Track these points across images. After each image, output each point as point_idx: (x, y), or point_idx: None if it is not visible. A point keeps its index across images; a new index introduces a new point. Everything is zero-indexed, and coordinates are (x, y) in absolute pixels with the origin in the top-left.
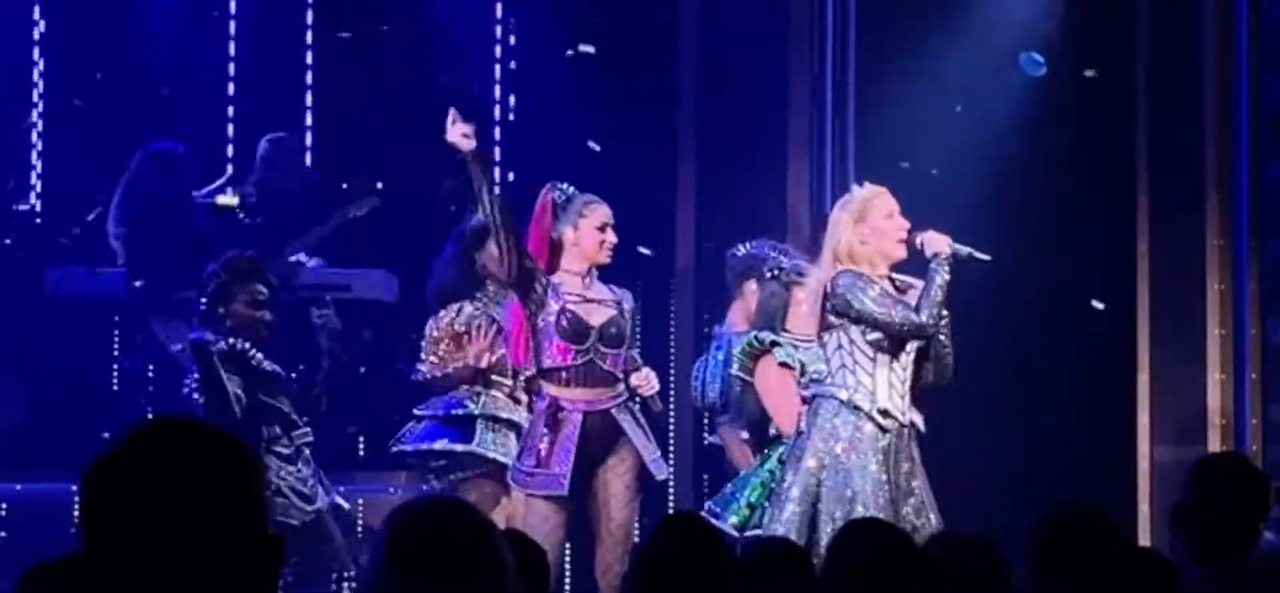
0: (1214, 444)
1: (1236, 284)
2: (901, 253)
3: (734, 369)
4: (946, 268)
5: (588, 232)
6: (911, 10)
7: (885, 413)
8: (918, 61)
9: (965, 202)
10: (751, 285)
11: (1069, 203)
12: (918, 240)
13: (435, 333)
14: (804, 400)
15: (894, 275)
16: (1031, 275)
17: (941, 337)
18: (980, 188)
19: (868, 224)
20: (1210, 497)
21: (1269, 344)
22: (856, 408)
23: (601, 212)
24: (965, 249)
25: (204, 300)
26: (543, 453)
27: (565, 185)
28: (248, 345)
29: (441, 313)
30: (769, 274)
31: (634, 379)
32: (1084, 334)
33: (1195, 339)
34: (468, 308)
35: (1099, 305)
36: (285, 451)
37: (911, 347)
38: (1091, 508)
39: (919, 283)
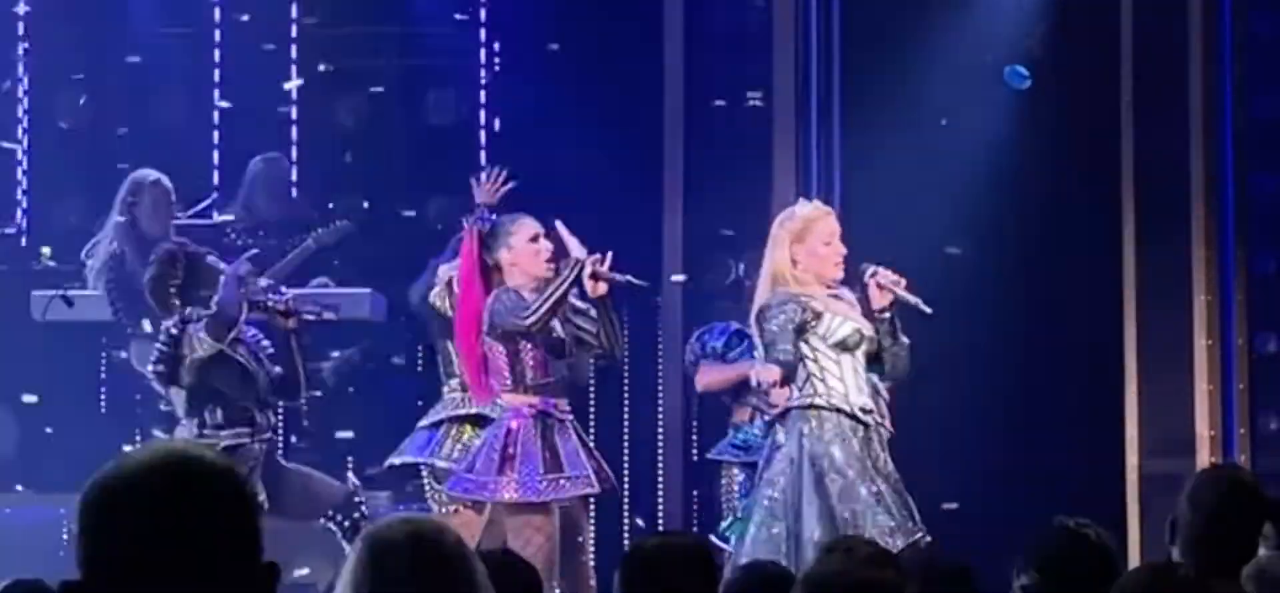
0: (1202, 456)
1: (1223, 296)
2: (838, 275)
3: None
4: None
5: (521, 248)
6: (897, 25)
7: (866, 410)
8: (903, 75)
9: (951, 214)
10: None
11: (1055, 215)
12: (867, 278)
13: None
14: (774, 419)
15: (832, 291)
16: (1018, 288)
17: (901, 338)
18: (966, 200)
19: (805, 246)
20: (1207, 510)
21: (1256, 355)
22: (836, 410)
23: (528, 225)
24: (913, 298)
25: (174, 285)
26: (550, 459)
27: (489, 214)
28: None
29: None
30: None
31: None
32: (1071, 346)
33: (1182, 351)
34: None
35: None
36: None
37: (865, 344)
38: (1087, 524)
39: (851, 296)
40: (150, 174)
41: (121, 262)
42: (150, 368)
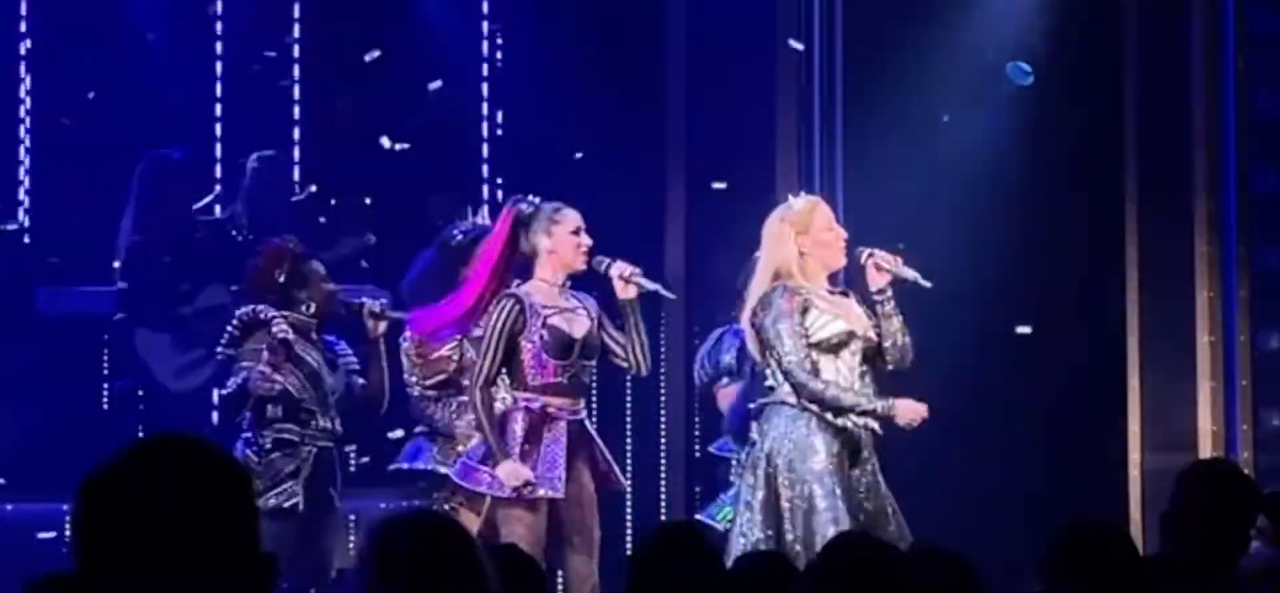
0: (1204, 452)
1: (1226, 291)
2: (842, 261)
3: None
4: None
5: (563, 238)
6: (898, 21)
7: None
8: (905, 72)
9: (954, 211)
10: None
11: (1058, 211)
12: (864, 259)
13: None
14: (754, 413)
15: (829, 290)
16: (1021, 283)
17: (895, 328)
18: (969, 197)
19: (810, 236)
20: (1198, 506)
21: (1258, 351)
22: (805, 409)
23: (573, 216)
24: (910, 273)
25: (279, 280)
26: (527, 458)
27: (532, 197)
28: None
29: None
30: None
31: (616, 269)
32: (1074, 342)
33: (1185, 347)
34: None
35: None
36: (271, 441)
37: (856, 344)
38: (1110, 521)
39: (849, 298)
40: (165, 154)
41: (143, 250)
42: (220, 350)
